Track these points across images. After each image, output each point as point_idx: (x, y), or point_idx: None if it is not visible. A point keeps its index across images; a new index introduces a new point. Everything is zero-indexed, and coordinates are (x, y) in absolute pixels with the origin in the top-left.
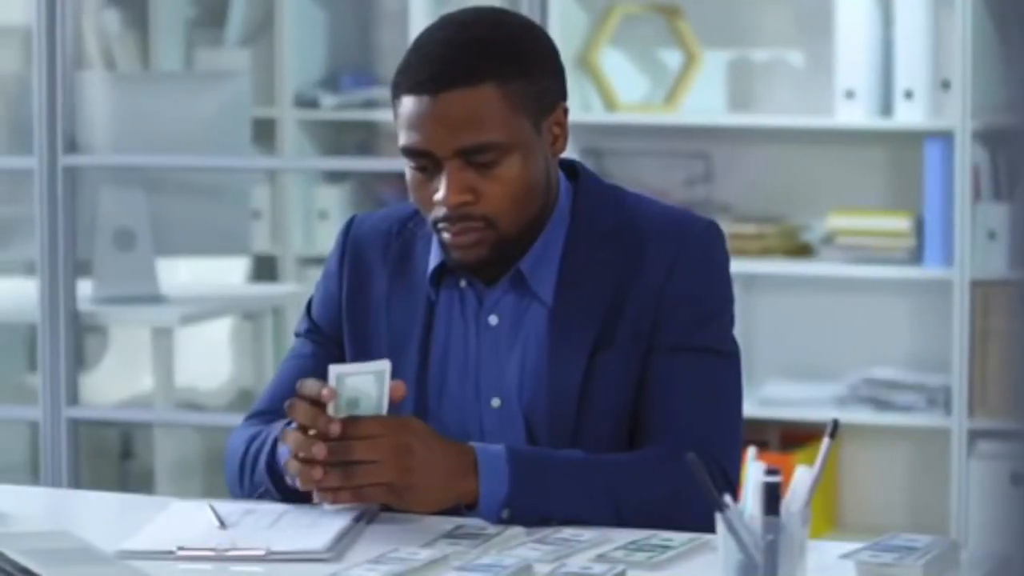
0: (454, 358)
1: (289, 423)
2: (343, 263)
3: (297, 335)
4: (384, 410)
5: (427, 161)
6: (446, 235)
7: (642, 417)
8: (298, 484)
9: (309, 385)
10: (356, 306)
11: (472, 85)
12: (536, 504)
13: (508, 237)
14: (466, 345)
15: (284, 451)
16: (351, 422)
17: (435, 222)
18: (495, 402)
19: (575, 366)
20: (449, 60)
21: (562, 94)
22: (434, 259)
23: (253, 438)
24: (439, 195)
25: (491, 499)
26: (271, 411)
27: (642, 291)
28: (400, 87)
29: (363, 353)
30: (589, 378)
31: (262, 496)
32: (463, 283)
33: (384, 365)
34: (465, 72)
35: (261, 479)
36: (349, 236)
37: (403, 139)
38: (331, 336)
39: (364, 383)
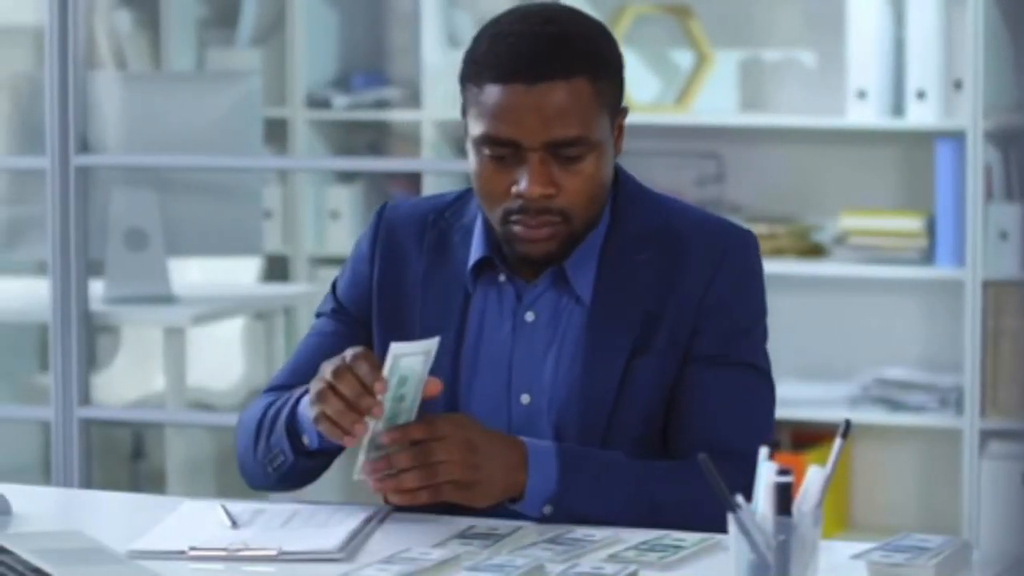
0: (487, 352)
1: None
2: (375, 246)
3: (319, 315)
4: (422, 389)
5: (509, 151)
6: (519, 228)
7: (676, 426)
8: (333, 438)
9: (364, 370)
10: (389, 290)
11: (568, 78)
12: (579, 502)
13: (577, 233)
14: (500, 340)
15: (306, 414)
16: (427, 425)
17: (507, 213)
18: (525, 398)
19: (612, 370)
20: (546, 52)
21: (623, 96)
22: (476, 252)
23: (271, 404)
24: (521, 187)
25: (537, 494)
26: (290, 386)
27: (682, 297)
28: (483, 75)
29: (395, 337)
30: (624, 383)
31: (277, 465)
32: (502, 278)
33: (434, 344)
34: (563, 64)
35: (278, 441)
36: (382, 220)
37: (485, 127)
38: (357, 317)
39: (415, 362)
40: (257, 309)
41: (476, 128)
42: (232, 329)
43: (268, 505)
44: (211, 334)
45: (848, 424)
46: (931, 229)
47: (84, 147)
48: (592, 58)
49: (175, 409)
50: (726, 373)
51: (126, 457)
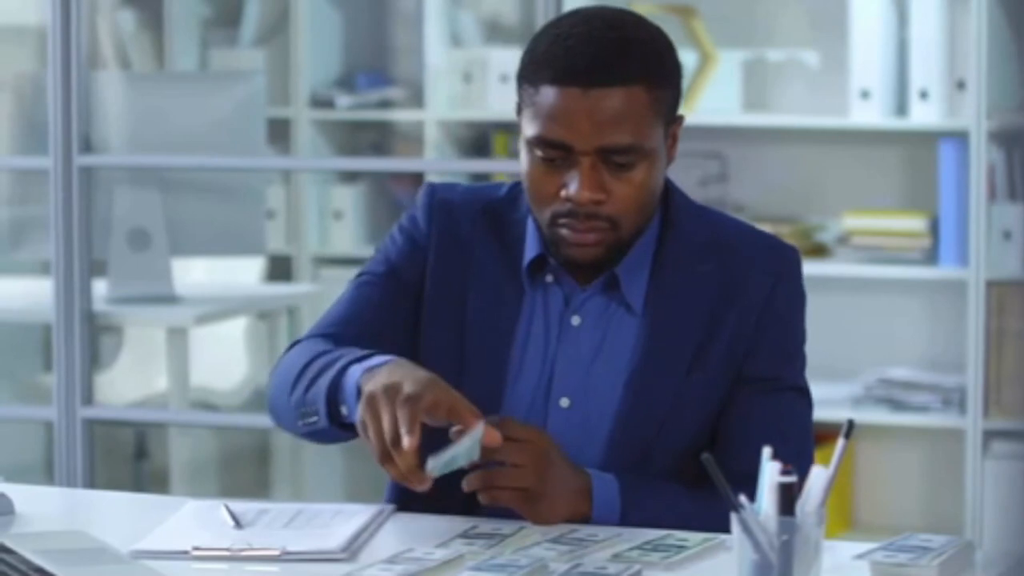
0: (530, 352)
1: (363, 357)
2: (432, 224)
3: (362, 275)
4: (476, 456)
5: (560, 154)
6: (566, 231)
7: (726, 450)
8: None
9: (409, 466)
10: (446, 271)
11: (626, 84)
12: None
13: (625, 240)
14: (545, 341)
15: (350, 386)
16: (505, 423)
17: (556, 216)
18: (564, 402)
19: (666, 386)
20: (604, 56)
21: (679, 105)
22: (531, 251)
23: (320, 354)
24: (571, 190)
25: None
26: (337, 335)
27: (741, 313)
28: (540, 76)
29: (444, 319)
30: (677, 398)
31: (309, 422)
32: (549, 278)
33: (479, 432)
34: (621, 70)
35: (315, 399)
36: (436, 201)
37: (539, 128)
38: (408, 284)
39: (459, 447)
40: (260, 309)
41: (529, 129)
42: (235, 329)
43: (271, 505)
44: (214, 334)
45: (851, 424)
46: (934, 229)
47: (87, 147)
48: (651, 66)
49: (178, 409)
50: (778, 399)
51: (129, 457)
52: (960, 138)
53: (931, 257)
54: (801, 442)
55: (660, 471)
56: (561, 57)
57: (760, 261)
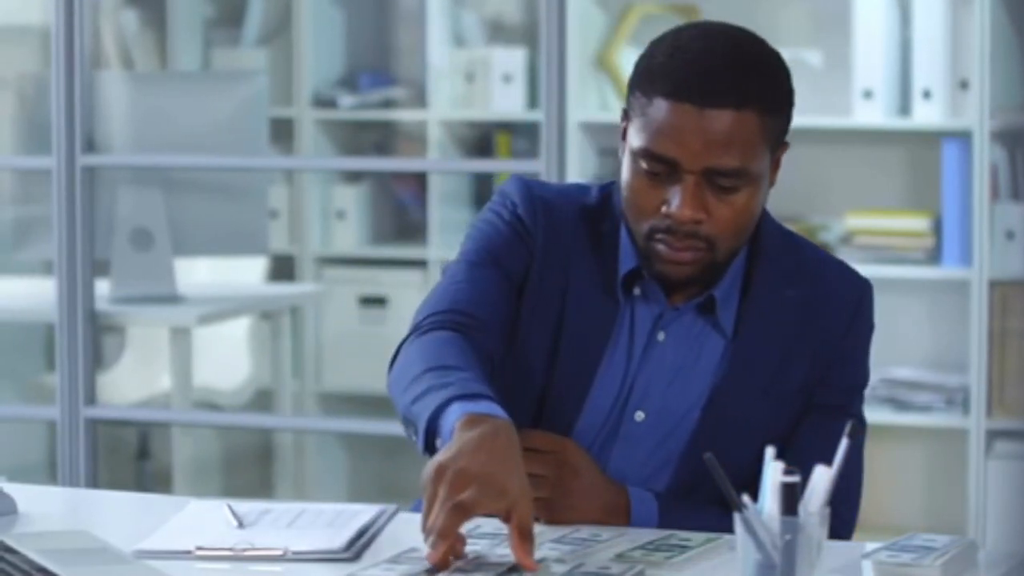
0: (614, 364)
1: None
2: (536, 219)
3: (465, 258)
4: None
5: (666, 169)
6: (662, 247)
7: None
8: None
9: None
10: (550, 269)
11: (739, 108)
12: None
13: (719, 262)
14: (629, 354)
15: (448, 425)
16: (528, 435)
17: (653, 231)
18: (639, 415)
19: (744, 411)
20: (722, 76)
21: (787, 133)
22: (626, 263)
23: (439, 366)
24: (673, 207)
25: None
26: (467, 321)
27: (822, 340)
28: (657, 88)
29: (542, 317)
30: (751, 424)
31: (409, 432)
32: (638, 291)
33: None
34: (736, 93)
35: (417, 419)
36: (535, 196)
37: (648, 141)
38: (514, 272)
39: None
40: (263, 309)
41: (637, 140)
42: (238, 329)
43: (274, 505)
44: (217, 334)
45: (854, 424)
46: (937, 229)
47: (90, 147)
48: (766, 91)
49: (181, 409)
50: (840, 427)
51: (132, 457)
52: (963, 138)
53: (934, 257)
54: (858, 470)
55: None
56: (679, 71)
57: (841, 292)
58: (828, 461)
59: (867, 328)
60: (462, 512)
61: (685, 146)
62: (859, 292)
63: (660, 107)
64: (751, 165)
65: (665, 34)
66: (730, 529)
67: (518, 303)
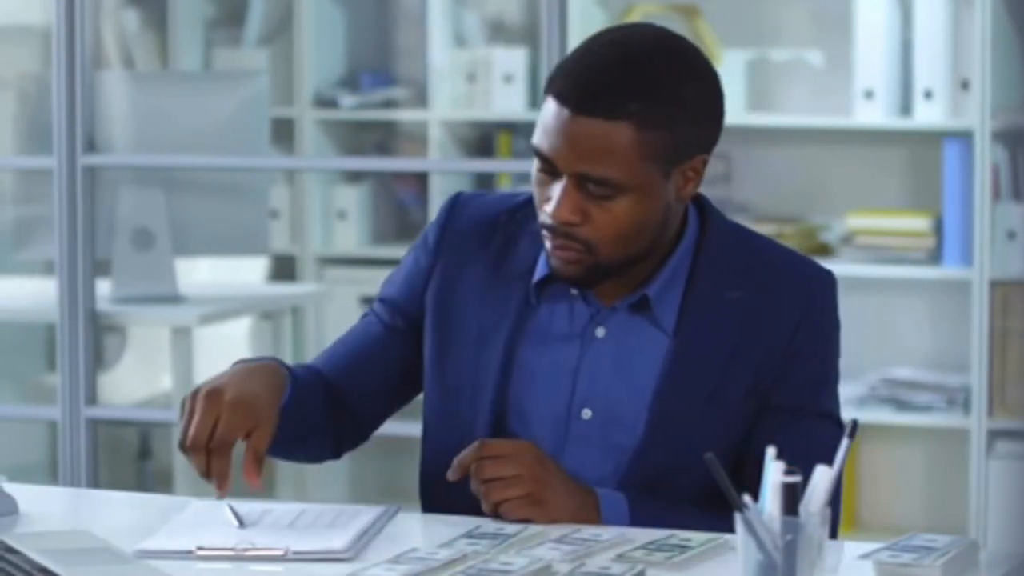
0: (551, 363)
1: None
2: (442, 241)
3: (367, 316)
4: None
5: (548, 167)
6: (548, 243)
7: (750, 473)
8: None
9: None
10: (446, 290)
11: (611, 120)
12: None
13: (606, 265)
14: (567, 353)
15: None
16: (485, 445)
17: (542, 225)
18: (586, 413)
19: (689, 415)
20: (598, 85)
21: (705, 146)
22: (543, 267)
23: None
24: (549, 206)
25: None
26: (325, 366)
27: (768, 342)
28: (550, 86)
29: (446, 340)
30: (698, 427)
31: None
32: (574, 290)
33: None
34: (609, 105)
35: None
36: (453, 215)
37: (535, 137)
38: (404, 308)
39: None
40: (264, 309)
41: (533, 135)
42: (239, 329)
43: (275, 505)
44: (218, 334)
45: (855, 424)
46: (938, 229)
47: (91, 147)
48: (645, 106)
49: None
50: (803, 427)
51: (133, 457)
52: (964, 138)
53: (935, 257)
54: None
55: (676, 493)
56: (567, 74)
57: (790, 290)
58: (790, 461)
59: (825, 322)
60: (209, 421)
61: (557, 149)
62: (811, 289)
63: (547, 106)
64: (623, 178)
65: (594, 34)
66: (703, 528)
67: (419, 339)
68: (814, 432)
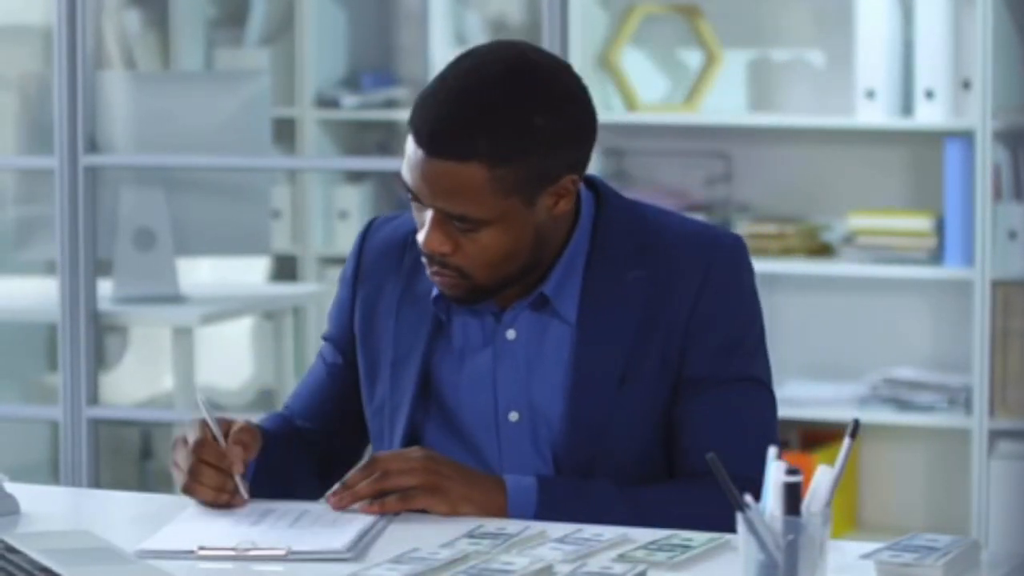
0: (469, 373)
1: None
2: (358, 271)
3: (319, 353)
4: None
5: (416, 197)
6: (427, 269)
7: (677, 452)
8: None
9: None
10: (369, 317)
11: (462, 161)
12: None
13: (485, 288)
14: (483, 358)
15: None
16: (372, 458)
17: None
18: (513, 416)
19: (601, 399)
20: (447, 127)
21: (573, 166)
22: None
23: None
24: (421, 235)
25: None
26: (293, 410)
27: (671, 316)
28: (409, 122)
29: (373, 364)
30: (615, 411)
31: None
32: None
33: None
34: (458, 147)
35: None
36: (365, 242)
37: (402, 167)
38: (342, 343)
39: None
40: (265, 309)
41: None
42: (240, 329)
43: (277, 505)
44: (220, 334)
45: (857, 424)
46: (940, 229)
47: (93, 147)
48: (494, 144)
49: (184, 409)
50: (720, 394)
51: (135, 457)
52: (965, 138)
53: (936, 257)
54: (747, 435)
55: (610, 479)
56: (419, 114)
57: (689, 260)
58: (710, 430)
59: (732, 287)
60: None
61: (417, 185)
62: (709, 256)
63: (409, 141)
64: (481, 214)
65: (455, 59)
66: (623, 507)
67: (353, 364)
68: (732, 398)
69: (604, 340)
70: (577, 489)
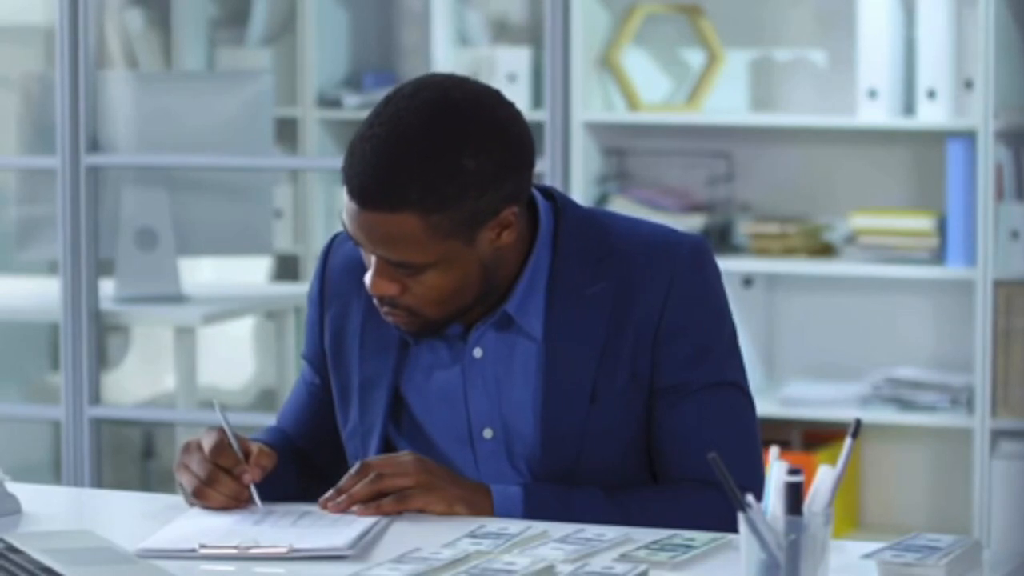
0: (440, 391)
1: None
2: (323, 291)
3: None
4: None
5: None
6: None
7: (656, 463)
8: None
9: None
10: (338, 338)
11: (393, 212)
12: None
13: (438, 322)
14: (452, 376)
15: None
16: (363, 463)
17: None
18: (487, 433)
19: (574, 418)
20: (376, 180)
21: (511, 198)
22: None
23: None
24: (367, 277)
25: None
26: (282, 426)
27: (638, 328)
28: (342, 170)
29: (344, 388)
30: (587, 427)
31: None
32: None
33: None
34: (388, 199)
35: None
36: (328, 260)
37: (343, 216)
38: (316, 363)
39: None
40: (267, 308)
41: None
42: (243, 328)
43: (278, 505)
44: (221, 333)
45: (859, 423)
46: (942, 228)
47: (95, 147)
48: (424, 194)
49: (185, 408)
50: (694, 402)
51: (137, 456)
52: (968, 137)
53: (938, 257)
54: (724, 441)
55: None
56: (349, 167)
57: (652, 269)
58: (685, 444)
59: (697, 291)
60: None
61: (355, 234)
62: (674, 264)
63: (344, 192)
64: (419, 259)
65: (381, 101)
66: (599, 509)
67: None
68: (700, 408)
69: (572, 356)
70: (562, 496)
